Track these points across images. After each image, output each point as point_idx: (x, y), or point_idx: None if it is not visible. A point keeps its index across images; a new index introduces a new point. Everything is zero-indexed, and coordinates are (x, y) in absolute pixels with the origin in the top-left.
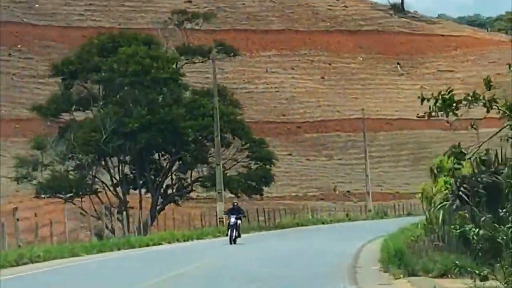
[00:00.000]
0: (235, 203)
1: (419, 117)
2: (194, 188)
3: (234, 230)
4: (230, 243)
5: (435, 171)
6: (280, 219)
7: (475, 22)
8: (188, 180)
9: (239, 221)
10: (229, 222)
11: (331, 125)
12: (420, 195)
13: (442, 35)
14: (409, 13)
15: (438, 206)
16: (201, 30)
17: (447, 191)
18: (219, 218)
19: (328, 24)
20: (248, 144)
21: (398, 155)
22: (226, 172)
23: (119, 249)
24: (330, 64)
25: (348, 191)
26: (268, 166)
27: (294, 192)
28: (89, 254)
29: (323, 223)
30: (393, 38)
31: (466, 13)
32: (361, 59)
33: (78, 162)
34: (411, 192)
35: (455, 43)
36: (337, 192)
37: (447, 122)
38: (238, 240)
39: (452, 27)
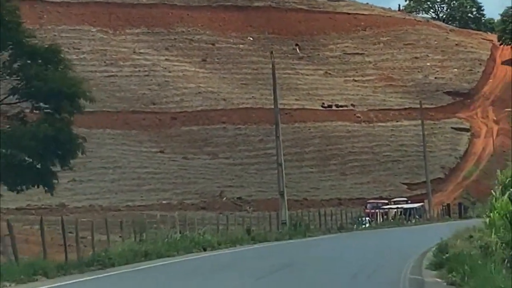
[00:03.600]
0: None
1: (324, 107)
2: None
3: None
4: None
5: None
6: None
7: None
8: None
9: None
10: None
11: (216, 116)
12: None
13: (348, 14)
14: None
15: None
16: None
17: None
18: None
19: None
20: (19, 61)
21: (301, 153)
22: None
23: None
24: (213, 44)
25: (239, 198)
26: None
27: (166, 199)
28: None
29: (204, 250)
30: (290, 16)
31: None
32: (252, 39)
33: None
34: (324, 199)
35: (363, 22)
36: (224, 199)
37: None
38: None
39: (359, 5)
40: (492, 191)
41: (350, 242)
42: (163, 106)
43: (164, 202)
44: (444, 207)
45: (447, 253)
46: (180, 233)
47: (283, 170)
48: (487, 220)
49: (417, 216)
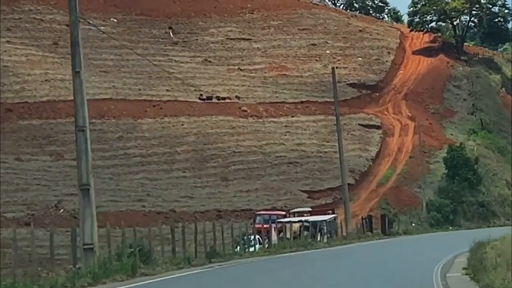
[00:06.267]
0: None
1: (203, 99)
2: None
3: None
4: None
5: None
6: None
7: None
8: None
9: None
10: None
11: (64, 107)
12: None
13: None
14: None
15: None
16: None
17: None
18: None
19: None
20: None
21: (172, 153)
22: None
23: None
24: (67, 26)
25: None
26: None
27: None
28: None
29: None
30: None
31: None
32: (116, 21)
33: None
34: (198, 211)
35: (250, 4)
36: (61, 211)
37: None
38: None
39: None
40: None
41: None
42: None
43: None
44: (365, 221)
45: None
46: None
47: (89, 139)
48: None
49: (329, 233)
